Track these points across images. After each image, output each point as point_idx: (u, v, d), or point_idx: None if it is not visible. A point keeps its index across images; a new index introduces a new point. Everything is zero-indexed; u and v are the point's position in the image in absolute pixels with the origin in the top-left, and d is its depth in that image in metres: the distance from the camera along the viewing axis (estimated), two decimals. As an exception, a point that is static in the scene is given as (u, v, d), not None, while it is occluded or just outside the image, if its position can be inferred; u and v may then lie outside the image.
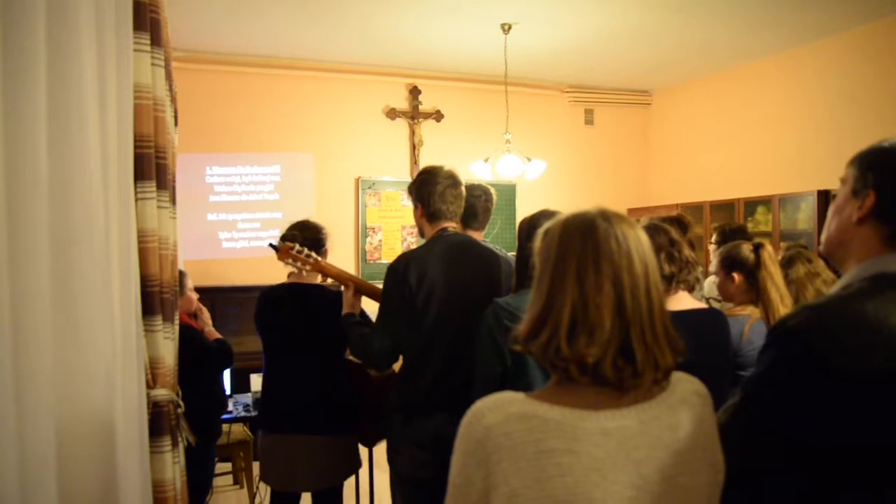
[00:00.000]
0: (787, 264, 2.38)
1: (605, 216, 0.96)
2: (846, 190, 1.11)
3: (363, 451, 2.63)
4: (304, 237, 2.48)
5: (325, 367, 2.43)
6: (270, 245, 2.41)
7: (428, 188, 2.16)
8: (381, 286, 2.22)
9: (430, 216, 2.18)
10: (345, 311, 2.31)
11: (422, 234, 2.25)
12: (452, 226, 2.19)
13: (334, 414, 2.43)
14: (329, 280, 2.50)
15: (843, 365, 0.93)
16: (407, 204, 5.83)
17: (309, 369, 2.42)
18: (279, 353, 2.50)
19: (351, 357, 2.54)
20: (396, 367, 2.31)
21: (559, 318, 0.91)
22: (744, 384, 1.07)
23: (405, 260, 2.10)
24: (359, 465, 2.58)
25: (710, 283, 3.40)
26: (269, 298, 2.52)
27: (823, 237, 1.16)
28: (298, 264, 2.38)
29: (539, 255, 1.00)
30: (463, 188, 2.22)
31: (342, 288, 2.40)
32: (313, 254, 2.39)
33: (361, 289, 2.37)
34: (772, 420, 0.99)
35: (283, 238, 2.47)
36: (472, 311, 2.02)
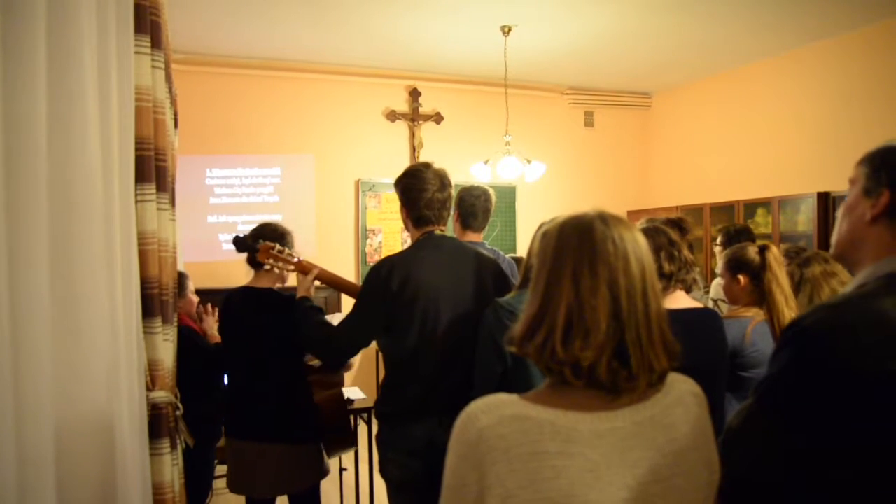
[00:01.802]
0: (804, 264, 2.37)
1: (603, 218, 0.96)
2: (857, 189, 1.09)
3: (362, 452, 2.61)
4: (256, 239, 2.39)
5: (278, 373, 2.37)
6: (242, 246, 2.32)
7: (413, 194, 2.08)
8: None
9: (415, 221, 2.11)
10: (299, 294, 2.25)
11: (408, 229, 2.18)
12: (440, 229, 2.13)
13: (288, 422, 2.35)
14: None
15: (863, 363, 0.92)
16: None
17: (262, 375, 2.37)
18: (236, 358, 2.46)
19: (313, 362, 2.50)
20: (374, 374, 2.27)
21: (554, 319, 0.91)
22: (757, 386, 1.05)
23: (389, 264, 2.03)
24: (323, 472, 2.50)
25: (716, 285, 3.40)
26: (226, 303, 2.47)
27: (834, 239, 1.14)
28: (281, 264, 2.31)
29: (537, 257, 1.00)
30: (451, 190, 2.14)
31: (299, 276, 2.33)
32: (294, 253, 2.32)
33: (344, 288, 2.31)
34: (789, 422, 0.98)
35: (234, 241, 2.39)
36: (461, 314, 2.00)
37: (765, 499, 1.02)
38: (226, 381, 2.65)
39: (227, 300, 2.47)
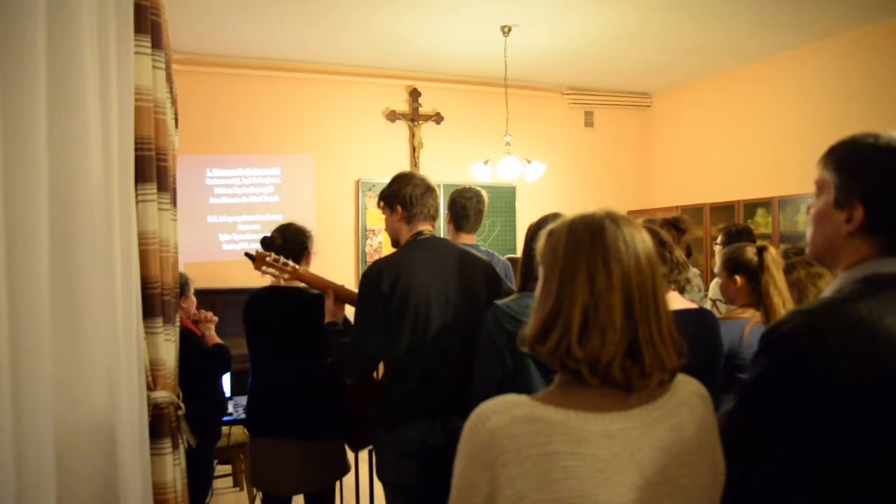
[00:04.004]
0: (787, 271, 2.38)
1: (613, 218, 0.96)
2: (828, 199, 1.06)
3: (362, 453, 2.61)
4: (284, 239, 2.45)
5: (305, 371, 2.39)
6: (246, 254, 2.36)
7: (408, 190, 2.13)
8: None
9: (409, 218, 2.13)
10: (327, 319, 2.27)
11: (395, 242, 2.20)
12: (428, 229, 2.15)
13: (315, 419, 2.39)
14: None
15: (838, 368, 0.92)
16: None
17: (289, 373, 2.40)
18: (262, 356, 2.48)
19: None
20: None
21: (570, 318, 0.91)
22: (738, 390, 1.06)
23: (378, 267, 2.05)
24: (346, 469, 2.53)
25: (716, 285, 3.40)
26: (252, 302, 2.51)
27: (809, 245, 1.13)
28: (276, 272, 2.34)
29: (545, 256, 0.99)
30: (437, 194, 2.20)
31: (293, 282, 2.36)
32: (290, 262, 2.35)
33: (341, 296, 2.32)
34: (767, 426, 0.99)
35: (262, 241, 2.44)
36: (452, 315, 2.00)
37: (746, 499, 1.02)
38: (226, 382, 2.66)
39: (252, 299, 2.52)
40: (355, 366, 2.10)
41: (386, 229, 2.24)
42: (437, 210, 2.19)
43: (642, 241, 0.96)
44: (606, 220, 0.96)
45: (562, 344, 0.91)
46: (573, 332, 0.90)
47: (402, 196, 2.13)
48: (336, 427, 2.45)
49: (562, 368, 0.93)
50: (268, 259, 2.33)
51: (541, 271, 1.00)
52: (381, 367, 2.21)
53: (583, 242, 0.94)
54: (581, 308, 0.91)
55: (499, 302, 1.86)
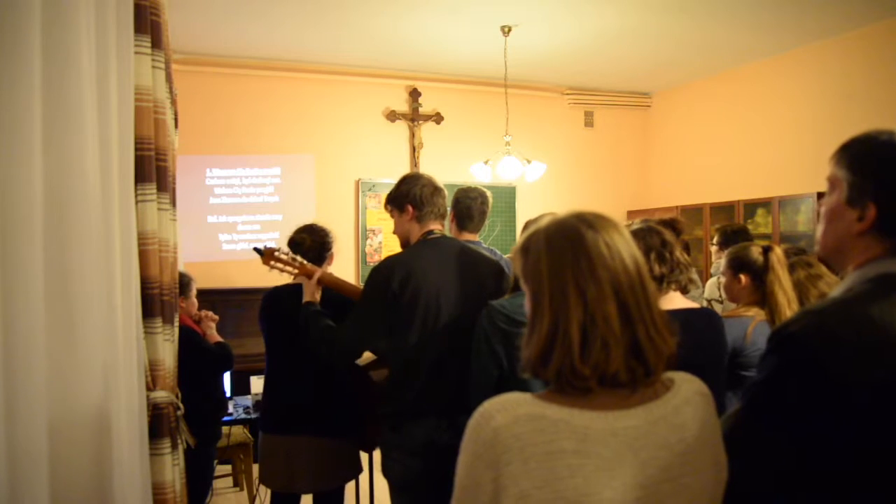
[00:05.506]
0: (788, 271, 2.39)
1: (587, 222, 0.94)
2: (840, 196, 1.05)
3: (364, 455, 2.62)
4: (313, 240, 2.49)
5: (325, 368, 2.40)
6: (255, 249, 2.38)
7: (418, 190, 2.14)
8: None
9: (420, 217, 2.15)
10: (305, 299, 2.26)
11: (405, 242, 2.21)
12: (439, 228, 2.17)
13: (334, 416, 2.41)
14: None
15: (848, 369, 0.92)
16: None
17: (309, 370, 2.41)
18: (280, 353, 2.50)
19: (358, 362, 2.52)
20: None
21: (569, 337, 0.90)
22: (745, 391, 1.05)
23: (389, 264, 2.06)
24: (359, 469, 2.55)
25: (710, 285, 3.40)
26: (271, 299, 2.52)
27: (819, 243, 1.12)
28: (286, 268, 2.35)
29: (527, 275, 0.97)
30: (445, 193, 2.22)
31: (303, 280, 2.35)
32: (298, 257, 2.36)
33: (346, 291, 2.34)
34: (775, 427, 0.98)
35: (291, 241, 2.47)
36: (461, 314, 2.01)
37: (749, 502, 1.02)
38: (226, 382, 2.66)
39: (272, 296, 2.53)
40: (341, 356, 2.11)
41: (394, 231, 2.24)
42: (445, 209, 2.22)
43: (621, 238, 0.95)
44: (582, 225, 0.94)
45: (565, 364, 0.89)
46: (574, 351, 0.89)
47: (413, 196, 2.15)
48: (348, 426, 2.46)
49: (569, 386, 0.91)
50: (276, 254, 2.34)
51: (526, 289, 0.98)
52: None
53: (565, 255, 0.92)
54: (578, 325, 0.89)
55: (493, 301, 1.87)
